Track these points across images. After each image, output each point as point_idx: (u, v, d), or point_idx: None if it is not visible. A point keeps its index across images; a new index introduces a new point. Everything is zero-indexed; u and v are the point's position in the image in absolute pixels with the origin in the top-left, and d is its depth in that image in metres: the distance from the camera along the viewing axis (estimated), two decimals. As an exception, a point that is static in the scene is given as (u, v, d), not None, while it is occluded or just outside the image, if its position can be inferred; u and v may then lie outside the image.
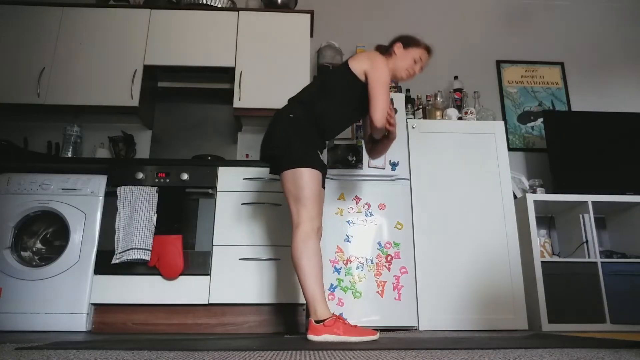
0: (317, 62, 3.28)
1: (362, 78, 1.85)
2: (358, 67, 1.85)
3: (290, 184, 1.75)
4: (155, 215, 2.35)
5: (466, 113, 2.92)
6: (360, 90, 1.86)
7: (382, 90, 1.78)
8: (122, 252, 2.26)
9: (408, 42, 1.94)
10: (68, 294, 2.25)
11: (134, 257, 2.24)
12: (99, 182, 2.42)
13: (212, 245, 2.38)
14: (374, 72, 1.81)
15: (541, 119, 3.34)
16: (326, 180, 2.53)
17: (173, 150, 3.12)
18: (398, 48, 1.94)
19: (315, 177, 1.75)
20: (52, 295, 2.24)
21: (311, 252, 1.66)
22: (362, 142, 2.56)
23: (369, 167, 2.57)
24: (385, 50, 1.98)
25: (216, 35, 3.00)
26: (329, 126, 1.90)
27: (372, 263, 2.45)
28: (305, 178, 1.72)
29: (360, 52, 1.98)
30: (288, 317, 2.34)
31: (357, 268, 2.44)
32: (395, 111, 2.56)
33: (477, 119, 2.91)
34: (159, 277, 2.31)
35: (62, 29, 2.95)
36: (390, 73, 1.89)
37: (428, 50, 1.97)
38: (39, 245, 2.45)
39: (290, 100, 1.94)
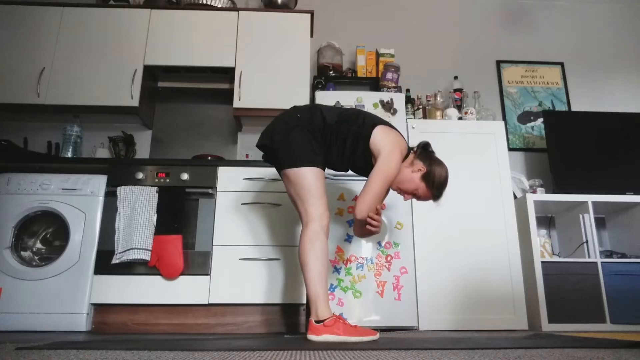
0: (317, 62, 3.28)
1: (375, 156, 1.76)
2: (375, 148, 1.74)
3: (294, 184, 1.73)
4: (155, 215, 2.35)
5: (466, 113, 2.91)
6: (370, 159, 1.79)
7: (380, 184, 1.67)
8: (122, 252, 2.26)
9: (429, 177, 1.77)
10: (68, 294, 2.25)
11: (134, 257, 2.24)
12: (99, 182, 2.42)
13: (212, 245, 2.38)
14: (386, 161, 1.70)
15: (541, 119, 3.34)
16: (326, 181, 2.53)
17: (173, 150, 3.12)
18: (419, 170, 1.79)
19: (317, 174, 1.73)
20: (52, 295, 2.24)
21: (318, 251, 1.65)
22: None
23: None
24: (413, 153, 1.85)
25: (216, 35, 3.00)
26: (328, 158, 1.83)
27: (372, 263, 2.45)
28: (308, 178, 1.71)
29: (386, 132, 1.77)
30: (288, 317, 2.34)
31: (357, 268, 2.44)
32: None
33: (477, 119, 2.91)
34: (159, 277, 2.31)
35: (62, 29, 2.95)
36: (397, 172, 1.75)
37: (435, 197, 1.80)
38: (39, 245, 2.46)
39: (307, 106, 1.88)
